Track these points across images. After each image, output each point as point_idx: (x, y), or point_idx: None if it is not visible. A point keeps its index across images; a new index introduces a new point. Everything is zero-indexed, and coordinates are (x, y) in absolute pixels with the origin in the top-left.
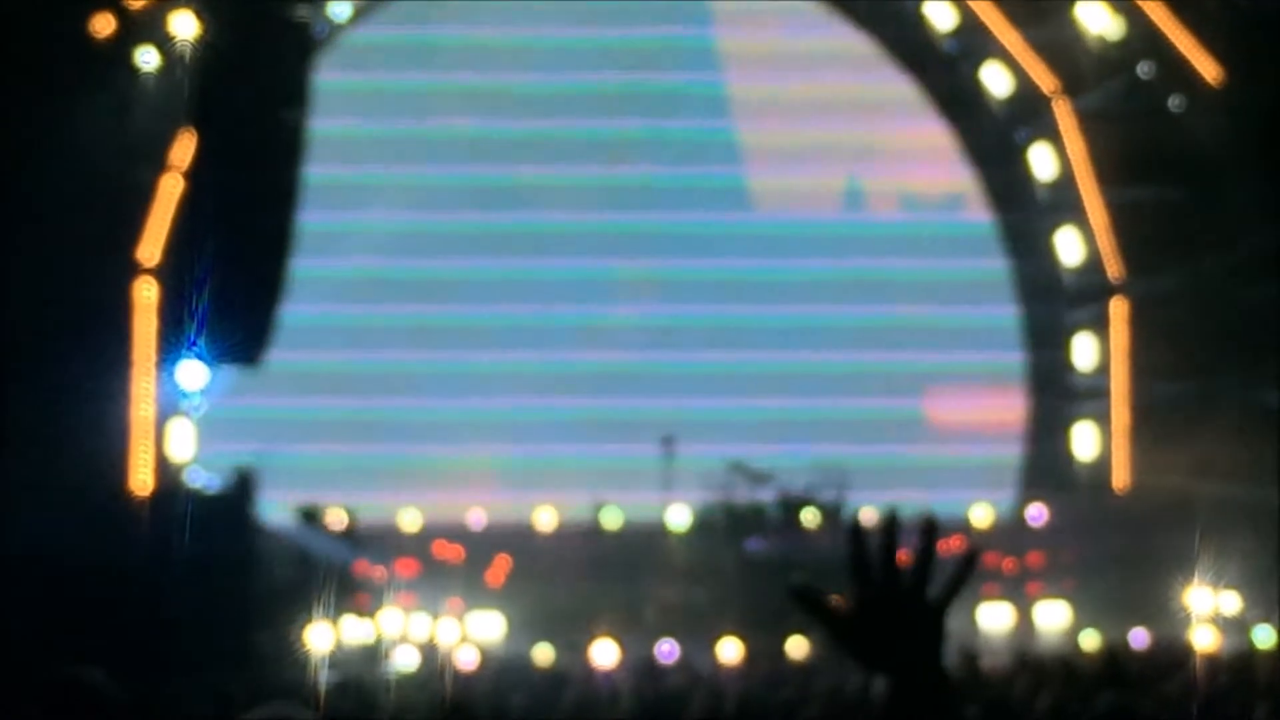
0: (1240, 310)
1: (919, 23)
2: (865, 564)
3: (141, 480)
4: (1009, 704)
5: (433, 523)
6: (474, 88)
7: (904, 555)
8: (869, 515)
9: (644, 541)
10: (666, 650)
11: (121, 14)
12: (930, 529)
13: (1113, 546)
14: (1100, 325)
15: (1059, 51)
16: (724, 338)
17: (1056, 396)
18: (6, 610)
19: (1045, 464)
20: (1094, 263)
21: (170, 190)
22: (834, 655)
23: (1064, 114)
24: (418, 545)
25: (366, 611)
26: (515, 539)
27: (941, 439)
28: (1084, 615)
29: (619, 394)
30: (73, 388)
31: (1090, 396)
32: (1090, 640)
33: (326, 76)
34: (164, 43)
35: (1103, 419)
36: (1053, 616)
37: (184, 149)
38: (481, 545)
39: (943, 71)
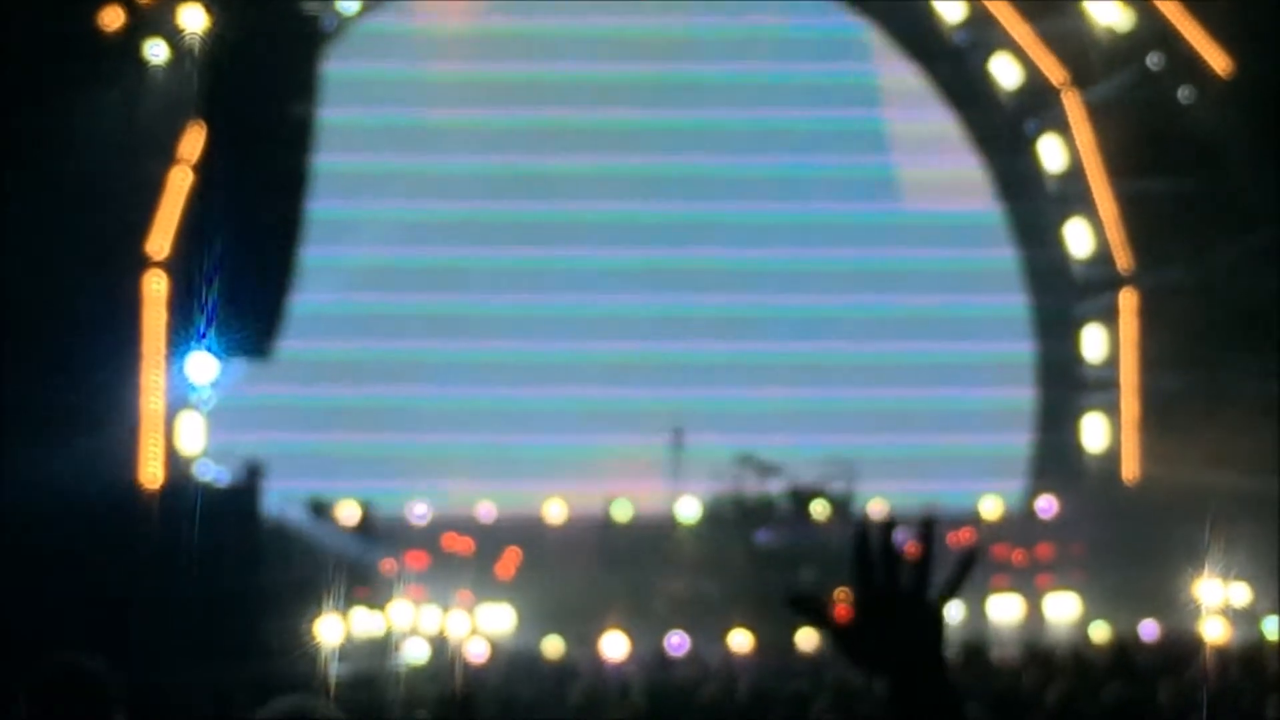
0: (1250, 301)
1: (928, 14)
2: (867, 566)
3: (151, 473)
4: (1018, 696)
5: (443, 515)
6: (483, 76)
7: (913, 548)
8: (875, 511)
9: (654, 534)
10: (676, 642)
11: (130, 7)
12: (928, 529)
13: (1122, 538)
14: (1110, 316)
15: (1068, 43)
16: (733, 328)
17: (1066, 387)
18: (16, 601)
19: (1054, 455)
20: (1103, 254)
21: (179, 183)
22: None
23: (1073, 105)
24: (427, 538)
25: (376, 604)
26: (525, 532)
27: (951, 429)
28: (1094, 607)
29: (627, 384)
30: (82, 380)
31: (1100, 388)
32: (1100, 632)
33: (339, 65)
34: (173, 36)
35: (1112, 410)
36: (1062, 608)
37: (193, 142)
38: (491, 538)
39: (951, 63)
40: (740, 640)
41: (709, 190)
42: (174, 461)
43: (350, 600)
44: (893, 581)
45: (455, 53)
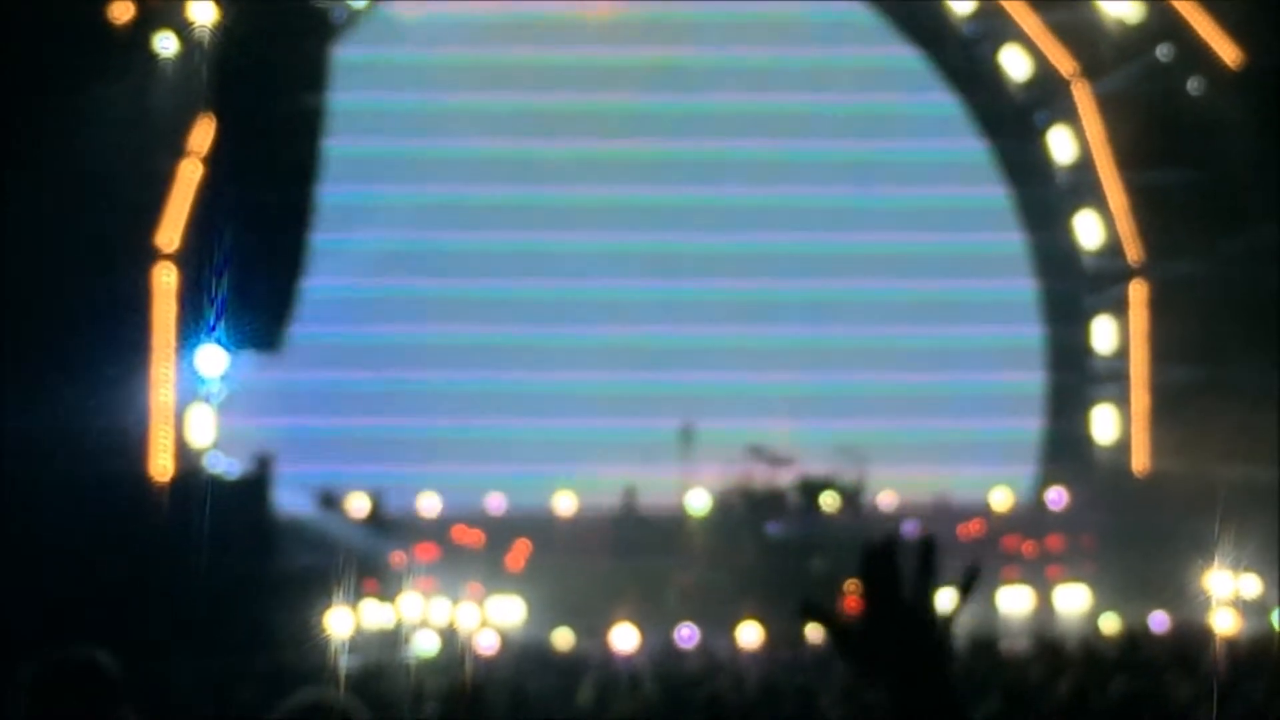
0: (1260, 293)
1: (938, 5)
2: (874, 583)
3: (161, 465)
4: (1028, 688)
5: (452, 507)
6: (493, 60)
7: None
8: (886, 505)
9: (664, 525)
10: (686, 634)
11: (140, 1)
12: (929, 548)
13: (1132, 530)
14: (1120, 308)
15: (1078, 34)
16: (742, 313)
17: (1076, 375)
18: (26, 594)
19: (1064, 442)
20: (1113, 246)
21: (189, 176)
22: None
23: (1083, 97)
24: (437, 530)
25: (386, 596)
26: (535, 524)
27: (961, 415)
28: (1104, 599)
29: (637, 369)
30: (92, 373)
31: (1110, 379)
32: (1110, 624)
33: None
34: (182, 29)
35: (1122, 402)
36: (1073, 600)
37: (202, 135)
38: (501, 530)
39: (961, 53)
40: (750, 632)
41: (718, 174)
42: (184, 454)
43: (360, 592)
44: (897, 597)
45: (466, 38)
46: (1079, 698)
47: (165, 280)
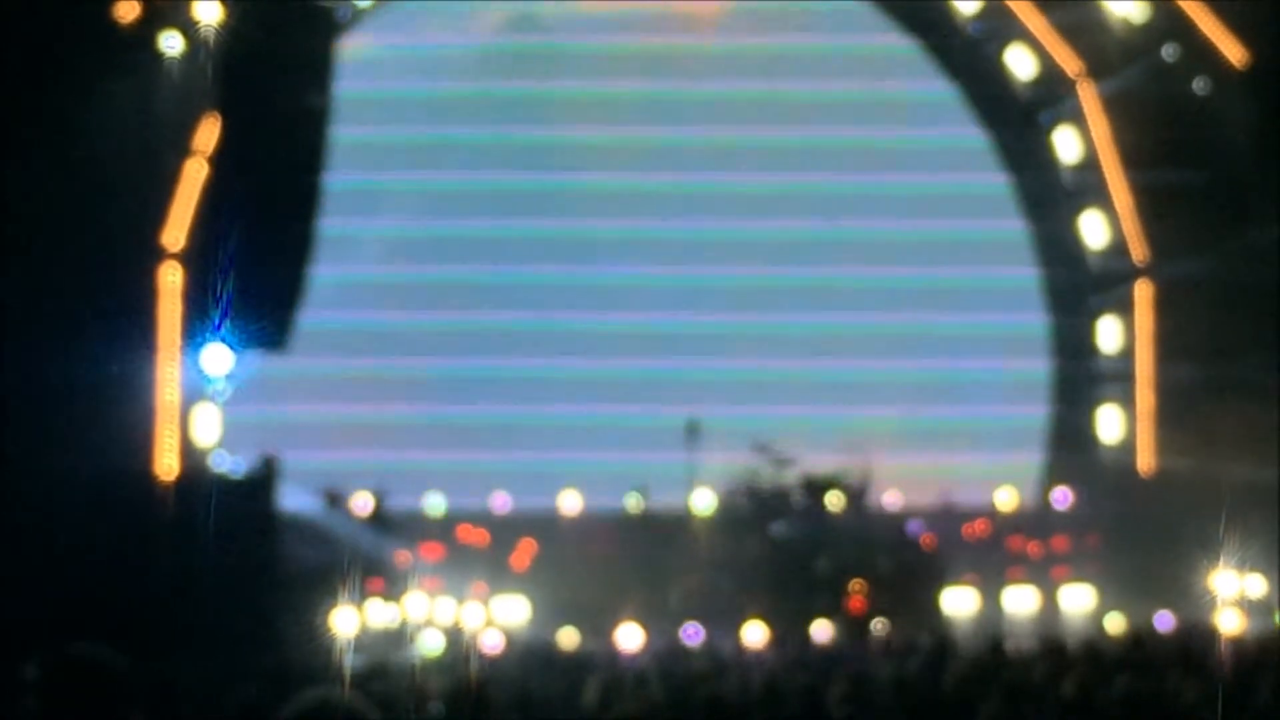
0: (1265, 292)
1: (943, 4)
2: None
3: (166, 464)
4: (1033, 688)
5: (457, 507)
6: (502, 49)
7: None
8: (891, 502)
9: (669, 525)
10: (691, 634)
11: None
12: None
13: (1138, 530)
14: (1125, 308)
15: (1083, 34)
16: (748, 302)
17: (1081, 364)
18: (33, 593)
19: (1069, 431)
20: (1119, 246)
21: (194, 175)
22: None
23: (1088, 97)
24: (442, 529)
25: (391, 595)
26: (540, 523)
27: (968, 403)
28: (1109, 599)
29: (643, 356)
30: (98, 372)
31: (1115, 379)
32: (1115, 624)
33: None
34: (188, 28)
35: (1127, 402)
36: (1078, 600)
37: (208, 134)
38: (506, 530)
39: (966, 51)
40: (755, 631)
41: (725, 162)
42: (189, 452)
43: (365, 591)
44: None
45: (474, 28)
46: (1083, 697)
47: (171, 279)
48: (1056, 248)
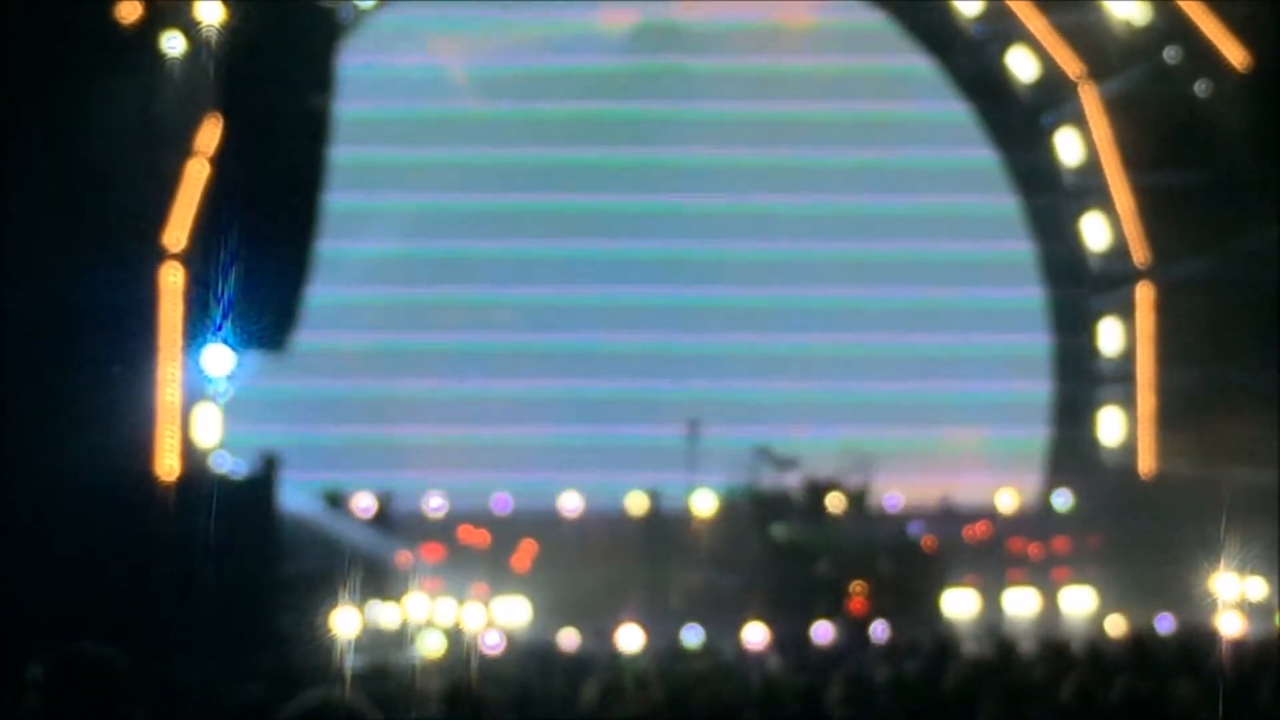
0: (1267, 295)
1: (945, 7)
2: None
3: (167, 465)
4: (1033, 689)
5: (458, 508)
6: (497, 70)
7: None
8: (893, 505)
9: (669, 527)
10: (692, 635)
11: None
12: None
13: (1139, 532)
14: (1126, 310)
15: (1085, 36)
16: (749, 319)
17: (1082, 380)
18: (32, 594)
19: (1071, 448)
20: (1120, 248)
21: (196, 176)
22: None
23: (1090, 99)
24: (443, 530)
25: (392, 596)
26: (541, 524)
27: (967, 421)
28: (1110, 601)
29: (642, 375)
30: (98, 373)
31: (1116, 381)
32: (1116, 626)
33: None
34: (190, 28)
35: (1128, 404)
36: (1079, 602)
37: (209, 135)
38: (507, 530)
39: (968, 55)
40: (756, 633)
41: (725, 181)
42: (190, 454)
43: (366, 592)
44: None
45: (469, 46)
46: (1083, 699)
47: (172, 280)
48: (1059, 255)
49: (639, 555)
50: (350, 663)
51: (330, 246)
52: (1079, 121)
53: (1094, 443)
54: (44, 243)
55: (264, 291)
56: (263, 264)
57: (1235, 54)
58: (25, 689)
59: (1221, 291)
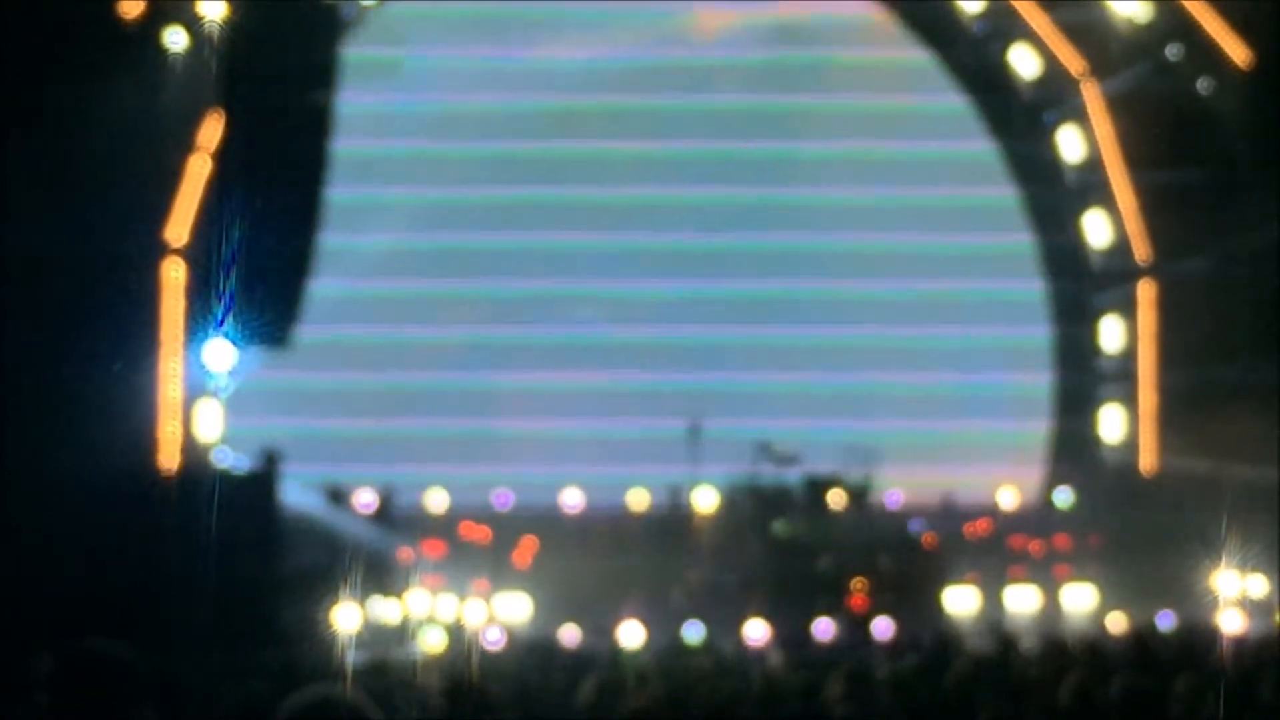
0: (1269, 292)
1: (948, 4)
2: None
3: (169, 460)
4: (1033, 687)
5: (460, 504)
6: (499, 65)
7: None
8: (894, 501)
9: (670, 523)
10: (693, 631)
11: None
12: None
13: (1140, 529)
14: (1127, 308)
15: (1087, 34)
16: (751, 312)
17: (1084, 375)
18: (35, 591)
19: (1072, 443)
20: (1122, 245)
21: (198, 171)
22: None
23: (1092, 96)
24: (445, 526)
25: (393, 592)
26: (542, 520)
27: (969, 416)
28: (1111, 598)
29: (645, 369)
30: (100, 368)
31: (1117, 379)
32: (1117, 623)
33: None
34: (192, 23)
35: (1129, 401)
36: (1080, 599)
37: (212, 130)
38: (508, 526)
39: (970, 51)
40: (756, 630)
41: (726, 174)
42: (192, 449)
43: (367, 588)
44: None
45: (475, 38)
46: (1083, 696)
47: (174, 275)
48: (1060, 253)
49: (640, 551)
50: (351, 659)
51: (336, 239)
52: (1081, 119)
53: (1095, 440)
54: (46, 237)
55: (266, 287)
56: (264, 260)
57: (1237, 51)
58: (31, 685)
59: (1223, 289)
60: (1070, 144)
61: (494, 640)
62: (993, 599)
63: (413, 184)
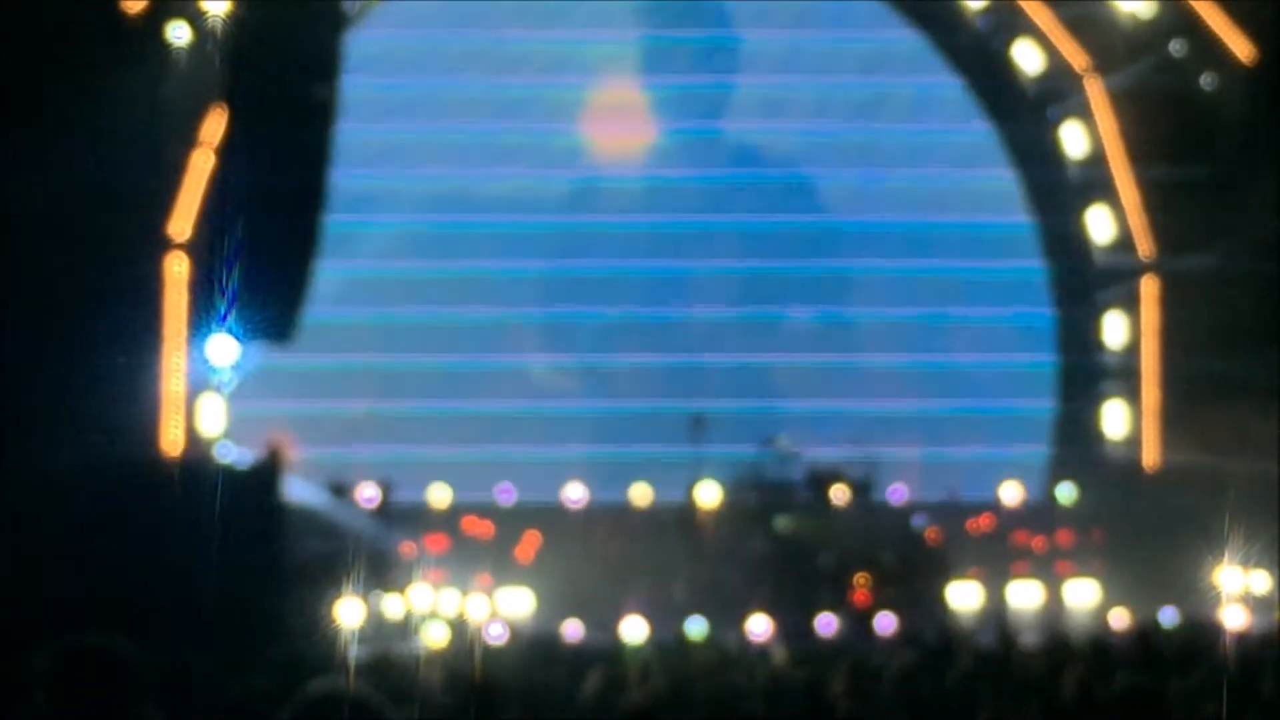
0: (1272, 288)
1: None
2: None
3: (172, 455)
4: (1036, 682)
5: (462, 499)
6: (503, 46)
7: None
8: (896, 496)
9: (673, 519)
10: (696, 627)
11: None
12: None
13: (1143, 525)
14: (1131, 303)
15: (1091, 29)
16: (754, 295)
17: (1086, 357)
18: (38, 585)
19: (1074, 425)
20: (1125, 241)
21: (201, 166)
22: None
23: (1095, 92)
24: (447, 521)
25: (396, 587)
26: (545, 516)
27: (972, 396)
28: (1114, 594)
29: (648, 353)
30: (103, 362)
31: (1121, 374)
32: (1120, 619)
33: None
34: (195, 17)
35: (1133, 397)
36: (1082, 595)
37: (215, 125)
38: (511, 522)
39: (974, 48)
40: (759, 624)
41: (728, 156)
42: (195, 443)
43: (370, 583)
44: None
45: (484, 24)
46: (1084, 692)
47: (177, 270)
48: (1062, 242)
49: (643, 547)
50: (354, 653)
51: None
52: (1084, 114)
53: (1097, 424)
54: (49, 232)
55: (268, 281)
56: (267, 254)
57: (1241, 47)
58: (36, 679)
59: (1226, 285)
60: (1074, 139)
61: (496, 635)
62: (995, 594)
63: (417, 167)
